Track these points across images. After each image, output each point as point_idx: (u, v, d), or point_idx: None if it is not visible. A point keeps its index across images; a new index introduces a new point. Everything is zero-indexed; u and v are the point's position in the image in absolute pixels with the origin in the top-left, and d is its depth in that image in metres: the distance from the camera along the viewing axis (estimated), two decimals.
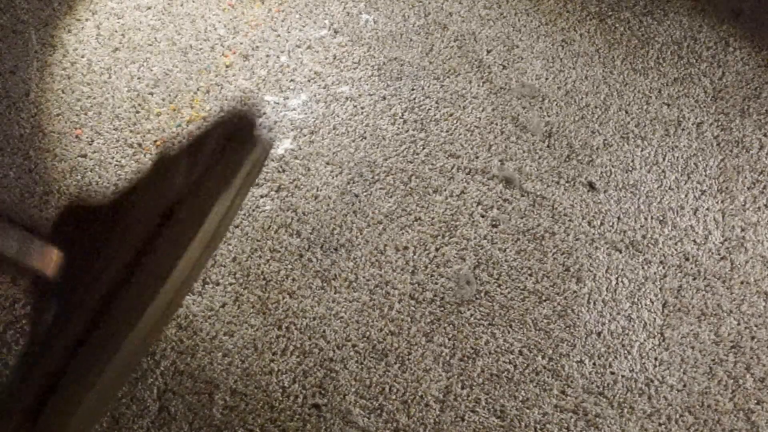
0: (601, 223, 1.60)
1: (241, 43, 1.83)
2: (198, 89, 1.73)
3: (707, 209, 1.64)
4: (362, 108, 1.74)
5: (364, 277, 1.48)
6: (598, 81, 1.85)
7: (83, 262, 1.07)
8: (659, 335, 1.46)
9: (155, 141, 1.63)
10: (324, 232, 1.54)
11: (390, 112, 1.74)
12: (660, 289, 1.52)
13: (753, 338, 1.47)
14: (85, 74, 1.72)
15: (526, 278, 1.51)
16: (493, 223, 1.58)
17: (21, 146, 1.59)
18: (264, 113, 1.71)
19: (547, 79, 1.84)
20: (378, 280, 1.48)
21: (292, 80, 1.77)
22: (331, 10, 1.92)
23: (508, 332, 1.44)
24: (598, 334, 1.45)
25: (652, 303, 1.50)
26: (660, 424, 1.36)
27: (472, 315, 1.45)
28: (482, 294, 1.48)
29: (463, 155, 1.68)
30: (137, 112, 1.68)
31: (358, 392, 1.35)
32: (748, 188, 1.69)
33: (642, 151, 1.73)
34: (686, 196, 1.66)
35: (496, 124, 1.74)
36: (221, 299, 1.43)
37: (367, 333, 1.41)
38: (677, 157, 1.73)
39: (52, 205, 1.51)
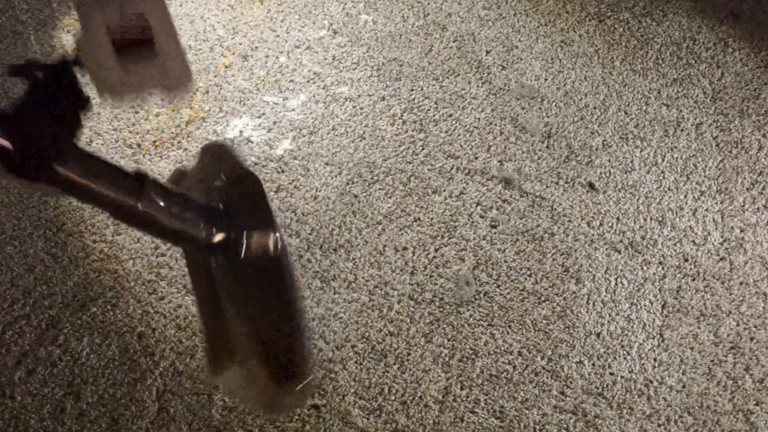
0: (601, 224, 1.60)
1: (240, 44, 1.83)
2: (197, 89, 1.73)
3: (706, 210, 1.65)
4: (361, 108, 1.74)
5: (363, 278, 1.48)
6: (597, 82, 1.86)
7: None
8: (658, 336, 1.46)
9: (154, 141, 1.63)
10: (323, 232, 1.54)
11: (389, 113, 1.74)
12: (659, 289, 1.52)
13: (752, 339, 1.47)
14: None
15: (526, 279, 1.51)
16: (493, 223, 1.58)
17: None
18: (263, 114, 1.71)
19: (546, 79, 1.84)
20: (377, 280, 1.48)
21: (291, 81, 1.77)
22: (330, 11, 1.92)
23: (508, 333, 1.44)
24: (598, 334, 1.45)
25: (652, 304, 1.50)
26: (659, 425, 1.36)
27: (471, 316, 1.45)
28: (481, 295, 1.48)
29: (463, 156, 1.68)
30: (136, 112, 1.68)
31: (358, 393, 1.35)
32: (747, 189, 1.69)
33: (641, 151, 1.73)
34: (685, 196, 1.66)
35: (496, 125, 1.74)
36: None
37: (366, 334, 1.41)
38: (676, 158, 1.73)
39: (51, 205, 1.51)
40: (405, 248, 1.53)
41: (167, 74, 0.72)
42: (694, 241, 1.59)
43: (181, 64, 0.74)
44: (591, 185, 1.66)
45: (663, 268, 1.55)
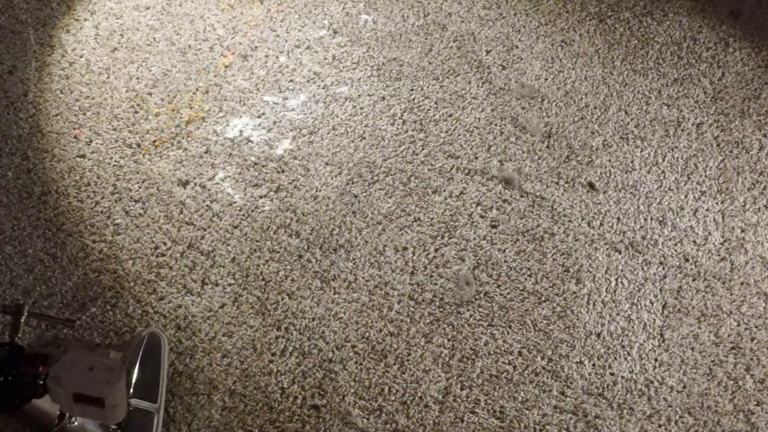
0: (601, 224, 1.60)
1: (240, 44, 1.82)
2: (197, 89, 1.73)
3: (707, 210, 1.64)
4: (361, 108, 1.74)
5: (363, 278, 1.48)
6: (597, 81, 1.85)
7: None
8: (659, 336, 1.46)
9: (154, 141, 1.63)
10: (323, 232, 1.53)
11: (389, 113, 1.74)
12: (660, 290, 1.52)
13: (753, 339, 1.47)
14: (84, 74, 1.72)
15: (526, 279, 1.51)
16: (493, 223, 1.58)
17: (19, 146, 1.59)
18: (263, 113, 1.70)
19: (546, 79, 1.84)
20: (377, 280, 1.48)
21: (291, 80, 1.77)
22: (331, 11, 1.92)
23: (508, 333, 1.43)
24: (598, 335, 1.45)
25: (652, 304, 1.50)
26: (660, 426, 1.36)
27: (471, 316, 1.45)
28: (481, 295, 1.48)
29: (463, 156, 1.68)
30: (136, 112, 1.67)
31: (358, 393, 1.34)
32: (748, 189, 1.69)
33: (642, 151, 1.73)
34: (686, 196, 1.66)
35: (496, 125, 1.74)
36: (220, 300, 1.42)
37: (367, 334, 1.41)
38: (677, 158, 1.73)
39: (51, 205, 1.51)
40: (405, 248, 1.53)
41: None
42: (694, 241, 1.59)
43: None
44: (591, 185, 1.66)
45: (664, 268, 1.55)
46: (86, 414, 0.95)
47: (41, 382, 0.90)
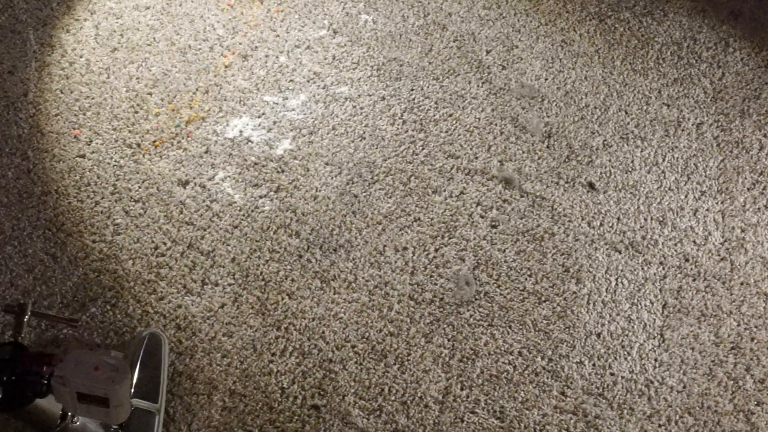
0: (601, 224, 1.60)
1: (240, 44, 1.82)
2: (197, 89, 1.73)
3: (707, 210, 1.64)
4: (361, 108, 1.74)
5: (363, 278, 1.47)
6: (597, 81, 1.85)
7: None
8: (659, 336, 1.46)
9: (154, 141, 1.63)
10: (323, 232, 1.53)
11: (389, 113, 1.74)
12: (660, 290, 1.52)
13: (753, 339, 1.47)
14: (84, 74, 1.72)
15: (526, 279, 1.51)
16: (493, 223, 1.58)
17: (19, 146, 1.59)
18: (263, 113, 1.70)
19: (546, 79, 1.84)
20: (377, 280, 1.48)
21: (291, 80, 1.77)
22: (331, 11, 1.92)
23: (508, 333, 1.43)
24: (598, 335, 1.45)
25: (652, 304, 1.50)
26: (660, 426, 1.36)
27: (471, 316, 1.45)
28: (481, 295, 1.48)
29: (463, 156, 1.68)
30: (136, 112, 1.67)
31: (358, 393, 1.34)
32: (748, 189, 1.69)
33: (642, 151, 1.73)
34: (686, 196, 1.66)
35: (496, 125, 1.74)
36: (220, 300, 1.42)
37: (367, 334, 1.41)
38: (677, 158, 1.73)
39: (50, 205, 1.51)
40: (405, 248, 1.53)
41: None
42: (694, 241, 1.59)
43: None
44: (591, 185, 1.66)
45: (664, 268, 1.55)
46: (90, 414, 0.95)
47: (45, 382, 0.90)
